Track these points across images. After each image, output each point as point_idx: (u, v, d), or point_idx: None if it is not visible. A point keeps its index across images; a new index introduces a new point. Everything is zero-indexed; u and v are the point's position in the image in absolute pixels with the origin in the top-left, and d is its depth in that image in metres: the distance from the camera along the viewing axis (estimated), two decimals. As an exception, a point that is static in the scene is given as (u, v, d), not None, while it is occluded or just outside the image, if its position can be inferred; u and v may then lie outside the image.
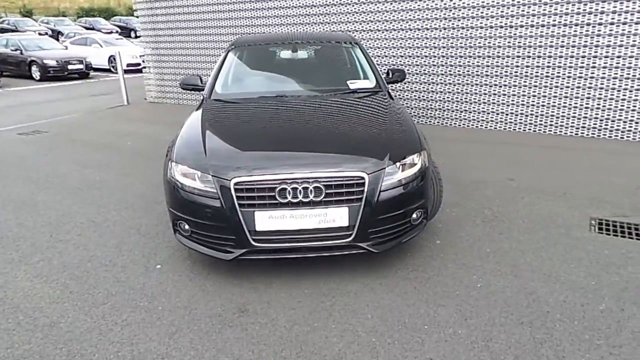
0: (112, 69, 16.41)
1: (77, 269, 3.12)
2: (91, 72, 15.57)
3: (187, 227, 2.89)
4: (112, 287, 2.89)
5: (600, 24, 5.70)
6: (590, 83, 5.94)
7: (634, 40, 5.58)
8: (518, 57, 6.27)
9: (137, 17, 9.97)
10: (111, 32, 26.80)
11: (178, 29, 9.25)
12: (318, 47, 4.55)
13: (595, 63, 5.84)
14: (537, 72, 6.22)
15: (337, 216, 2.68)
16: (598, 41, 5.76)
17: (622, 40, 5.63)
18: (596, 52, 5.80)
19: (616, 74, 5.76)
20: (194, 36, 9.08)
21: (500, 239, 3.42)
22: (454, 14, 6.51)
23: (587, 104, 6.03)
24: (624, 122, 5.87)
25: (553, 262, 3.08)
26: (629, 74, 5.70)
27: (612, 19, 5.62)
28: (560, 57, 6.01)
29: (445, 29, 6.62)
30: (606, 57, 5.77)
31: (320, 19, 7.59)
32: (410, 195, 2.86)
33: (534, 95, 6.32)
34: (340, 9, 7.35)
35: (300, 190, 2.64)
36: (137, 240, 3.53)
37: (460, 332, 2.41)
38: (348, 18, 7.34)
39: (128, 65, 14.63)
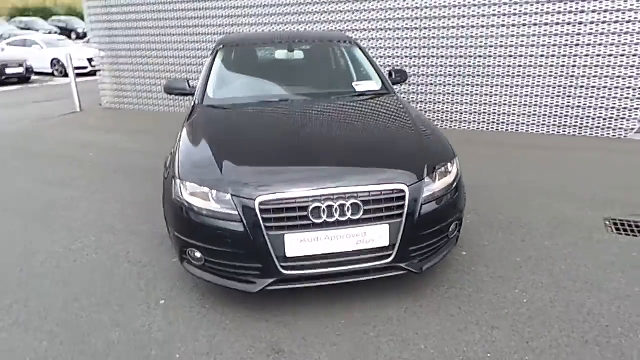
0: (55, 72, 15.18)
1: (62, 311, 2.61)
2: (32, 76, 14.30)
3: (198, 255, 2.48)
4: (111, 332, 2.42)
5: (581, 23, 5.76)
6: (592, 82, 5.89)
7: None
8: (510, 56, 6.19)
9: (85, 15, 9.07)
10: (50, 33, 25.02)
11: (137, 28, 8.52)
12: (314, 46, 4.21)
13: (576, 62, 5.89)
14: (529, 72, 6.14)
15: (377, 235, 2.38)
16: (579, 40, 5.82)
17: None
18: (577, 51, 5.86)
19: (601, 72, 5.81)
20: (157, 36, 8.40)
21: (526, 247, 3.25)
22: (451, 12, 6.33)
23: (584, 103, 6.01)
24: (615, 119, 5.90)
25: (588, 269, 2.93)
26: (614, 72, 5.76)
27: (593, 18, 5.69)
28: (552, 56, 5.98)
29: (444, 27, 6.42)
30: (586, 55, 5.84)
31: (298, 18, 7.24)
32: (449, 206, 2.62)
33: (526, 95, 6.25)
34: (331, 7, 6.96)
35: (336, 208, 2.31)
36: (128, 270, 3.05)
37: (528, 359, 2.18)
38: (341, 17, 6.95)
39: (74, 68, 13.55)
